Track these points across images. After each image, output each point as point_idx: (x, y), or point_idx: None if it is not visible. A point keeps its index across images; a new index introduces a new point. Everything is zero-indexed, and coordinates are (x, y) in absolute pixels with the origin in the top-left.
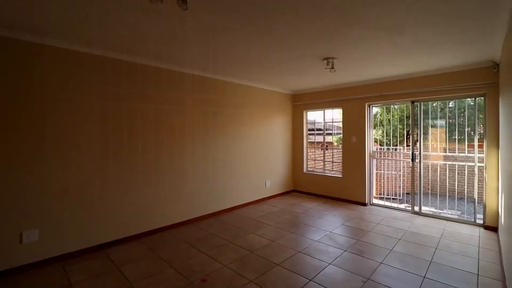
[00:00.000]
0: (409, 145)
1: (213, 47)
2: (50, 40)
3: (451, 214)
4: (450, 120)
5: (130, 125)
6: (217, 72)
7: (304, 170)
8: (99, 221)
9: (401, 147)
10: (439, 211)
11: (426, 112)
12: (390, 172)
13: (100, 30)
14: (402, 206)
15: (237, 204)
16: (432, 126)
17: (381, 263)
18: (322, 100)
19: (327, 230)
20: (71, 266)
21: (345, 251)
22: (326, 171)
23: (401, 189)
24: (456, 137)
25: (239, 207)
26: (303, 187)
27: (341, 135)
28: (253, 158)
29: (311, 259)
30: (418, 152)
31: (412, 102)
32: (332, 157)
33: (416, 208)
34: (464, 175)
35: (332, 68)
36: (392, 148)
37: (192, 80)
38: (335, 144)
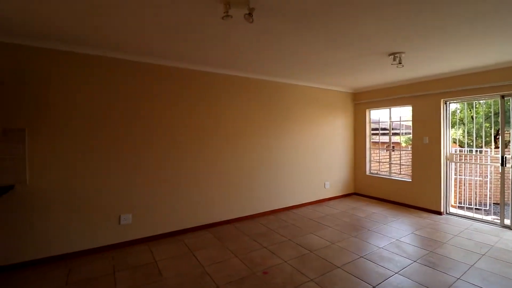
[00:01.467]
0: (498, 147)
1: (273, 53)
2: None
3: None
4: None
5: (200, 126)
6: (276, 75)
7: (367, 173)
8: (177, 211)
9: (488, 149)
10: None
11: None
12: (473, 178)
13: (190, 47)
14: (488, 218)
15: (295, 204)
16: None
17: (458, 279)
18: (388, 97)
19: (394, 237)
20: (155, 247)
21: (415, 261)
22: (392, 174)
23: (488, 198)
24: None
25: (297, 207)
26: (366, 190)
27: (410, 135)
28: (312, 158)
29: (374, 266)
30: (510, 155)
31: (502, 96)
32: (400, 159)
33: (507, 221)
34: None
35: (400, 63)
36: (476, 150)
37: (252, 84)
38: (403, 145)
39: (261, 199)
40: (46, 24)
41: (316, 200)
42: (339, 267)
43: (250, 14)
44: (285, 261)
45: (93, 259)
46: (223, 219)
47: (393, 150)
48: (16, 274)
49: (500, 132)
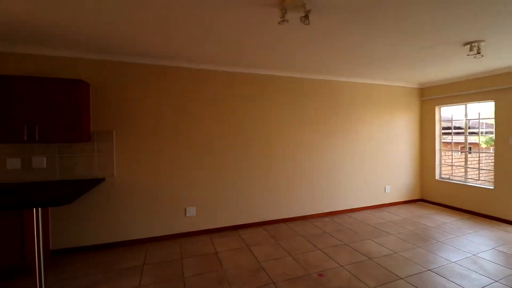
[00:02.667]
0: None
1: (331, 51)
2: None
3: None
4: None
5: (255, 128)
6: (333, 73)
7: (437, 177)
8: (234, 207)
9: None
10: None
11: None
12: None
13: (249, 54)
14: None
15: (352, 207)
16: None
17: None
18: (463, 92)
19: (469, 251)
20: (216, 239)
21: (497, 281)
22: (469, 179)
23: None
24: None
25: (354, 211)
26: (434, 197)
27: (493, 135)
28: (371, 160)
29: (445, 281)
30: None
31: None
32: (479, 163)
33: None
34: None
35: (478, 53)
36: None
37: (305, 84)
38: (484, 146)
39: (315, 200)
40: (134, 45)
41: (375, 205)
42: (402, 278)
43: (306, 17)
44: (342, 266)
45: (164, 245)
46: (277, 218)
47: (470, 152)
48: (106, 251)
49: None
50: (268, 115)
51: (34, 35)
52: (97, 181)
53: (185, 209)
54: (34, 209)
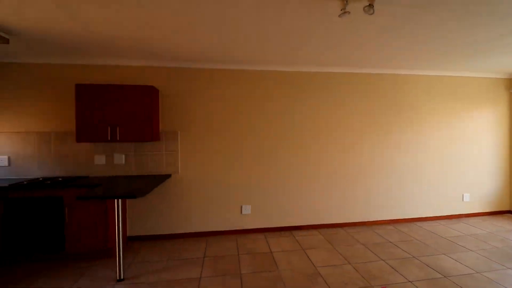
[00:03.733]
0: None
1: (398, 42)
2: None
3: None
4: None
5: (310, 127)
6: (396, 66)
7: None
8: (289, 208)
9: None
10: None
11: None
12: None
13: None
14: None
15: (420, 216)
16: None
17: None
18: None
19: None
20: (270, 238)
21: None
22: None
23: None
24: None
25: (423, 220)
26: None
27: None
28: (444, 163)
29: None
30: None
31: None
32: None
33: None
34: None
35: None
36: None
37: (366, 79)
38: None
39: (378, 206)
40: (198, 53)
41: (450, 215)
42: None
43: (370, 5)
44: (410, 281)
45: (221, 239)
46: (333, 222)
47: None
48: (171, 241)
49: None
50: (325, 114)
51: (113, 48)
52: (165, 177)
53: (241, 207)
54: (115, 200)
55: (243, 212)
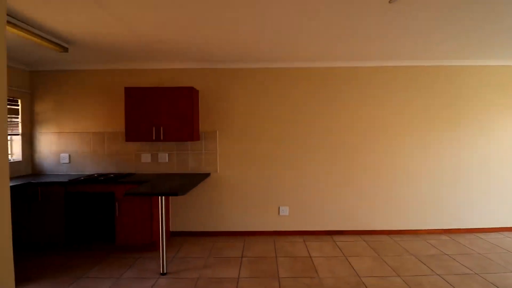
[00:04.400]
0: None
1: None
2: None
3: None
4: None
5: (353, 126)
6: (447, 57)
7: None
8: (329, 211)
9: None
10: None
11: None
12: None
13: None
14: None
15: (482, 226)
16: None
17: None
18: None
19: None
20: (309, 242)
21: None
22: None
23: None
24: None
25: (486, 230)
26: None
27: None
28: (510, 164)
29: None
30: None
31: None
32: None
33: None
34: None
35: None
36: None
37: (410, 71)
38: None
39: (430, 213)
40: (238, 53)
41: None
42: None
43: None
44: None
45: (259, 240)
46: (378, 228)
47: None
48: (210, 239)
49: None
50: (369, 112)
51: (156, 53)
52: (204, 176)
53: (279, 208)
54: (159, 197)
55: (281, 213)
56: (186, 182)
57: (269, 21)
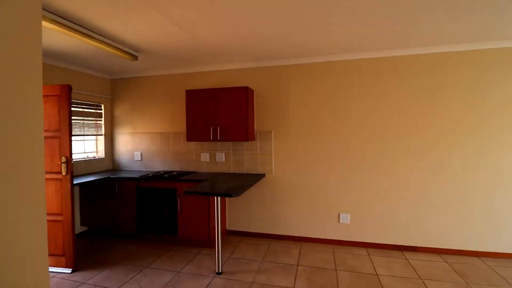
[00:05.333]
0: None
1: None
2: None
3: None
4: None
5: (430, 125)
6: None
7: None
8: (398, 223)
9: None
10: None
11: None
12: None
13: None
14: None
15: None
16: None
17: None
18: None
19: None
20: (374, 256)
21: None
22: None
23: None
24: None
25: None
26: None
27: None
28: None
29: None
30: None
31: None
32: None
33: None
34: None
35: None
36: None
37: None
38: None
39: None
40: (293, 49)
41: None
42: None
43: None
44: None
45: (316, 248)
46: (464, 248)
47: None
48: (265, 241)
49: None
50: (455, 106)
51: (213, 55)
52: (260, 176)
53: (339, 215)
54: (215, 196)
55: (341, 221)
56: (241, 183)
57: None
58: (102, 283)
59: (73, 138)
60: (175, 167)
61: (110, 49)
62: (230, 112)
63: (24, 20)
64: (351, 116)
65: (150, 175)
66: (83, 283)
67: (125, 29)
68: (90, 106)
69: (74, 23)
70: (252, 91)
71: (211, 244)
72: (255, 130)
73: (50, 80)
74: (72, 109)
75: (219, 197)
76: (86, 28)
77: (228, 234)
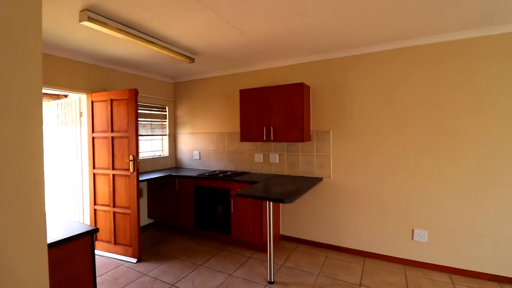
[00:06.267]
0: None
1: None
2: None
3: None
4: None
5: None
6: None
7: None
8: (498, 249)
9: None
10: None
11: None
12: None
13: None
14: None
15: None
16: None
17: None
18: None
19: None
20: (460, 285)
21: None
22: None
23: None
24: None
25: None
26: None
27: None
28: None
29: None
30: None
31: None
32: None
33: None
34: None
35: None
36: None
37: None
38: None
39: None
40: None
41: None
42: None
43: None
44: None
45: (383, 267)
46: None
47: None
48: (321, 252)
49: None
50: None
51: (266, 53)
52: (316, 180)
53: (413, 231)
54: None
55: (416, 238)
56: (295, 187)
57: None
58: (160, 276)
59: (141, 138)
60: (230, 166)
61: (169, 53)
62: (284, 111)
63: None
64: (434, 111)
65: (206, 174)
66: (144, 274)
67: (182, 33)
68: (156, 108)
69: (137, 30)
70: (308, 87)
71: (263, 249)
72: (311, 130)
73: (122, 86)
74: (141, 111)
75: (271, 202)
76: (147, 34)
77: (282, 239)
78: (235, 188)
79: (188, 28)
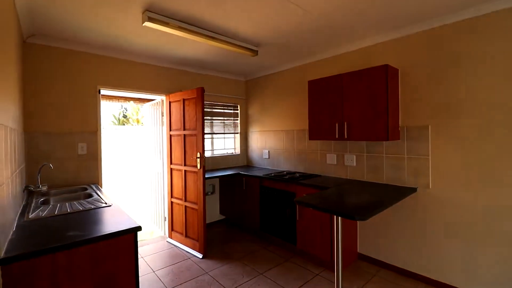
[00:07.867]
0: None
1: None
2: None
3: None
4: None
5: None
6: None
7: None
8: None
9: None
10: None
11: None
12: None
13: None
14: None
15: None
16: None
17: None
18: None
19: None
20: None
21: None
22: None
23: None
24: None
25: None
26: None
27: None
28: None
29: None
30: None
31: None
32: None
33: None
34: None
35: None
36: None
37: None
38: None
39: None
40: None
41: None
42: None
43: None
44: None
45: None
46: None
47: None
48: (408, 282)
49: None
50: None
51: (337, 35)
52: (407, 191)
53: None
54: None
55: None
56: (376, 198)
57: None
58: (219, 278)
59: (215, 136)
60: (299, 167)
61: (231, 47)
62: (362, 102)
63: None
64: None
65: (272, 174)
66: (205, 272)
67: (243, 22)
68: (229, 107)
69: (196, 26)
70: (396, 70)
71: (332, 267)
72: (400, 125)
73: (194, 87)
74: (214, 110)
75: (339, 217)
76: (207, 30)
77: (359, 259)
78: (302, 193)
79: (249, 16)
